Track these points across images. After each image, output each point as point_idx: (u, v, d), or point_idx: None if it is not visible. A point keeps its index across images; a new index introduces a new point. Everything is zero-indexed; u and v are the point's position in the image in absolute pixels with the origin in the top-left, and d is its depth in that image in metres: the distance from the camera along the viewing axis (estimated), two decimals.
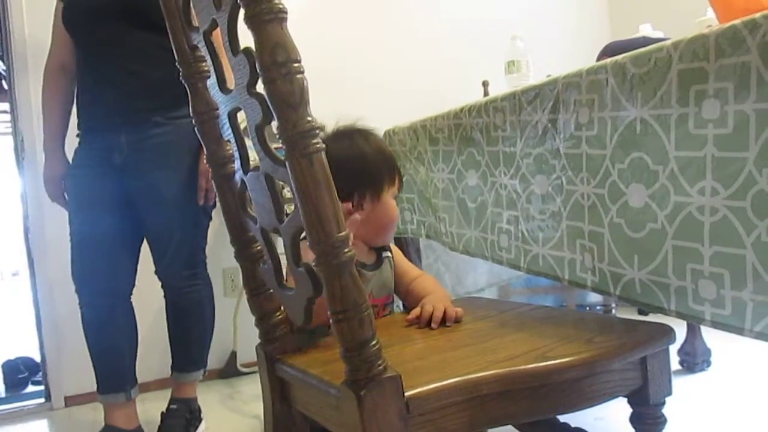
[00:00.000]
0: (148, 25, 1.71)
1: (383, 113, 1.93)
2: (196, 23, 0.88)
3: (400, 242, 1.79)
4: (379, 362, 0.72)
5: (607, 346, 0.84)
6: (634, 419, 0.91)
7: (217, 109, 0.91)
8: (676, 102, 0.88)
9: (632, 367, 0.88)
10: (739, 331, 0.83)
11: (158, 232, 1.79)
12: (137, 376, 1.91)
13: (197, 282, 1.85)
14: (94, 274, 1.77)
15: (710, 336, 1.98)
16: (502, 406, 0.80)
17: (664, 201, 0.91)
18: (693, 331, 1.98)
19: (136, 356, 1.88)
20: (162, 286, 1.87)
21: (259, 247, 0.93)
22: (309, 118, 0.68)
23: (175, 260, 1.80)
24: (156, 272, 1.85)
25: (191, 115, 0.95)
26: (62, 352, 2.46)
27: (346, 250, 0.70)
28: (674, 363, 2.01)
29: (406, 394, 0.73)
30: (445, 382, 0.75)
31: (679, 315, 0.90)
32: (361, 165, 1.15)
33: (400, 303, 1.25)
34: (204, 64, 0.91)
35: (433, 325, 1.02)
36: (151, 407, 2.17)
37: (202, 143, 0.95)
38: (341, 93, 2.75)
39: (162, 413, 1.94)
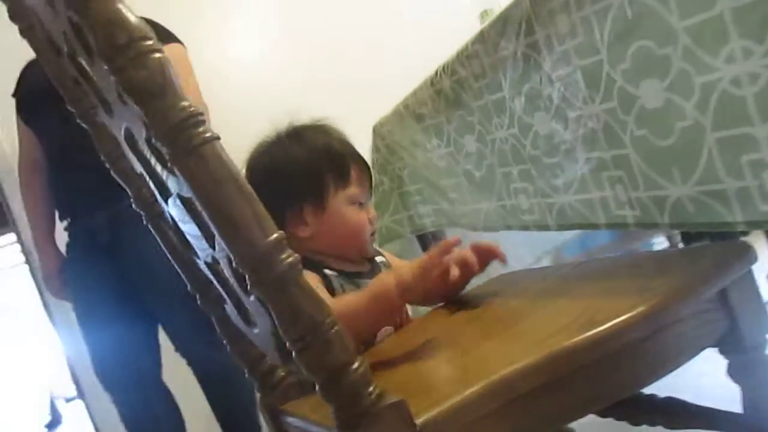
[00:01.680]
0: None
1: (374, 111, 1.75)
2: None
3: (425, 239, 1.61)
4: (369, 390, 0.54)
5: (667, 288, 0.64)
6: (732, 372, 0.70)
7: None
8: None
9: (710, 306, 0.67)
10: None
11: (167, 307, 1.66)
12: None
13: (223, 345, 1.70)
14: (117, 367, 1.65)
15: None
16: (553, 400, 0.61)
17: (687, 88, 0.71)
18: None
19: None
20: (188, 364, 1.73)
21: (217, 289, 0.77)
22: (184, 103, 0.52)
23: (195, 330, 1.66)
24: (177, 350, 1.71)
25: (104, 156, 0.80)
26: None
27: (283, 255, 0.53)
28: None
29: (418, 421, 0.55)
30: (467, 392, 0.57)
31: (751, 225, 0.70)
32: (291, 173, 0.94)
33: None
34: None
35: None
36: None
37: (124, 187, 0.80)
38: (328, 98, 2.58)
39: None
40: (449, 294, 0.97)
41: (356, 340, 0.86)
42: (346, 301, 0.83)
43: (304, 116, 1.03)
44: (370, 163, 1.61)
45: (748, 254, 0.69)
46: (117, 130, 0.70)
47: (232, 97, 2.40)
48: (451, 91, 1.18)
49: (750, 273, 0.70)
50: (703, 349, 0.67)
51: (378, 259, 1.02)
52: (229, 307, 0.73)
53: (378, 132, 1.57)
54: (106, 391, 1.69)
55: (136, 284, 1.65)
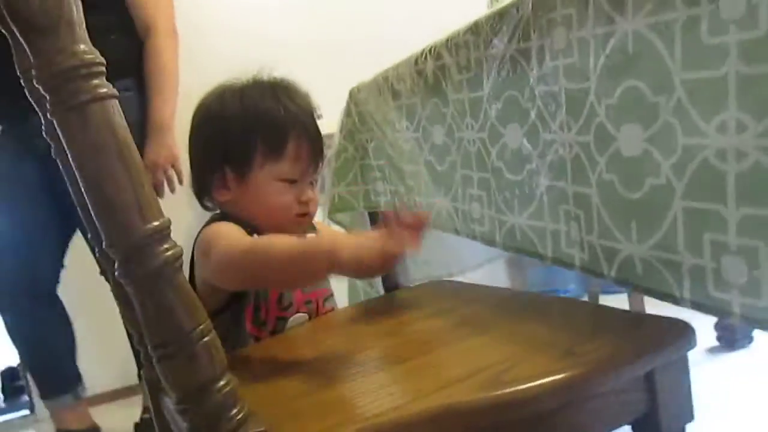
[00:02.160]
0: None
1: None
2: None
3: (375, 216, 1.53)
4: (233, 413, 0.48)
5: (592, 359, 0.59)
6: None
7: None
8: (682, 1, 0.61)
9: (634, 385, 0.62)
10: None
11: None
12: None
13: None
14: (12, 273, 1.57)
15: None
16: None
17: (668, 145, 0.64)
18: None
19: (75, 353, 1.72)
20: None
21: None
22: (80, 47, 0.43)
23: None
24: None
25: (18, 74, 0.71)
26: None
27: (161, 248, 0.45)
28: (711, 339, 1.73)
29: None
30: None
31: (696, 306, 0.64)
32: (222, 131, 0.87)
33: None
34: None
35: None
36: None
37: (37, 110, 0.71)
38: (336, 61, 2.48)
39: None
40: (382, 269, 0.93)
41: (269, 284, 0.80)
42: (275, 243, 0.74)
43: (279, 71, 0.95)
44: (338, 126, 1.53)
45: (687, 337, 0.64)
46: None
47: (227, 46, 2.28)
48: (432, 76, 1.09)
49: (684, 358, 0.65)
50: (616, 428, 0.62)
51: (309, 236, 0.95)
52: None
53: (354, 96, 1.47)
54: None
55: (64, 196, 1.56)
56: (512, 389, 0.54)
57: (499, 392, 0.54)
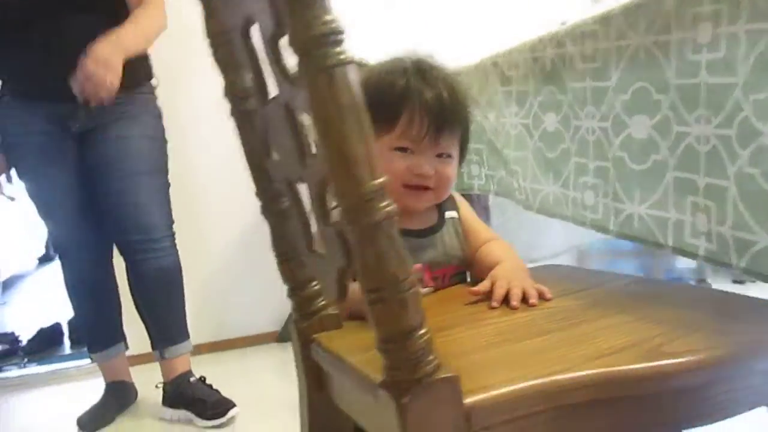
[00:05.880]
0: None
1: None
2: None
3: (468, 200, 1.57)
4: (430, 358, 0.53)
5: (748, 339, 0.62)
6: None
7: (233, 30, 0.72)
8: None
9: None
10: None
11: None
12: None
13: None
14: (63, 236, 1.83)
15: None
16: (596, 419, 0.59)
17: None
18: None
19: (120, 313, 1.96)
20: None
21: (288, 203, 0.75)
22: (328, 17, 0.48)
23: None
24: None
25: (209, 38, 0.76)
26: None
27: (382, 204, 0.50)
28: None
29: (466, 401, 0.54)
30: (520, 386, 0.56)
31: None
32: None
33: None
34: None
35: (494, 303, 0.81)
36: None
37: (220, 71, 0.77)
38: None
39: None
40: None
41: None
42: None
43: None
44: None
45: None
46: (234, 16, 0.66)
47: None
48: (551, 63, 1.12)
49: None
50: (754, 407, 0.65)
51: (448, 214, 1.00)
52: (293, 226, 0.71)
53: None
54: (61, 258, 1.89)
55: (90, 168, 1.82)
56: (675, 361, 0.58)
57: (664, 362, 0.58)
